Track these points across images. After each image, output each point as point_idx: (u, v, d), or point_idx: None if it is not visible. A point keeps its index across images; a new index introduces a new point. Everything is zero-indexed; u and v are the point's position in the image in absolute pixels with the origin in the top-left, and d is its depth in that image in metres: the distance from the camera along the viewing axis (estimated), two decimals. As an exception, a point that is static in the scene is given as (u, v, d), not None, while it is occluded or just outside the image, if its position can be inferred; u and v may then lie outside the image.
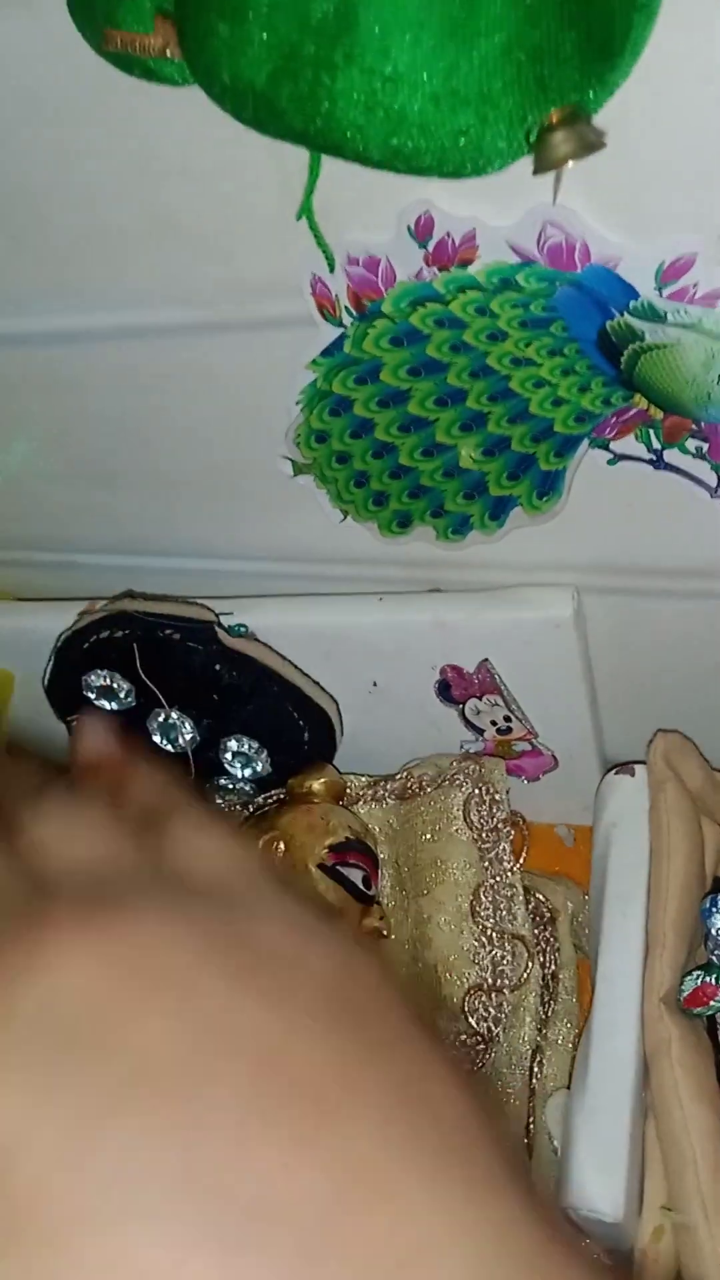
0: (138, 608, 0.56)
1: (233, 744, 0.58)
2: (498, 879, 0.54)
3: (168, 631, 0.56)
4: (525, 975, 0.53)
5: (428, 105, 0.29)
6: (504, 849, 0.55)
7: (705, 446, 0.44)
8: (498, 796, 0.56)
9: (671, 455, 0.45)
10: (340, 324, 0.43)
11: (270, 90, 0.31)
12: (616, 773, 0.56)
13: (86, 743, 0.37)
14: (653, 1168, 0.48)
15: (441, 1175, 0.22)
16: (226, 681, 0.56)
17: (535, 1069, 0.54)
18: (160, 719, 0.58)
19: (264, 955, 0.26)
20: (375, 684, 0.58)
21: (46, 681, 0.59)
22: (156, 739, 0.59)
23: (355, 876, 0.53)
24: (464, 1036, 0.53)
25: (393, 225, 0.39)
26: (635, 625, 0.54)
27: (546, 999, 0.55)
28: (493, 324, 0.42)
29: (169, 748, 0.59)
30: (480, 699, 0.56)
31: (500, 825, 0.55)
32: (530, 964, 0.54)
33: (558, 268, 0.39)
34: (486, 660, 0.54)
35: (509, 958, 0.53)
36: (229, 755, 0.59)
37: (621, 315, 0.39)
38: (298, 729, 0.57)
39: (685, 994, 0.49)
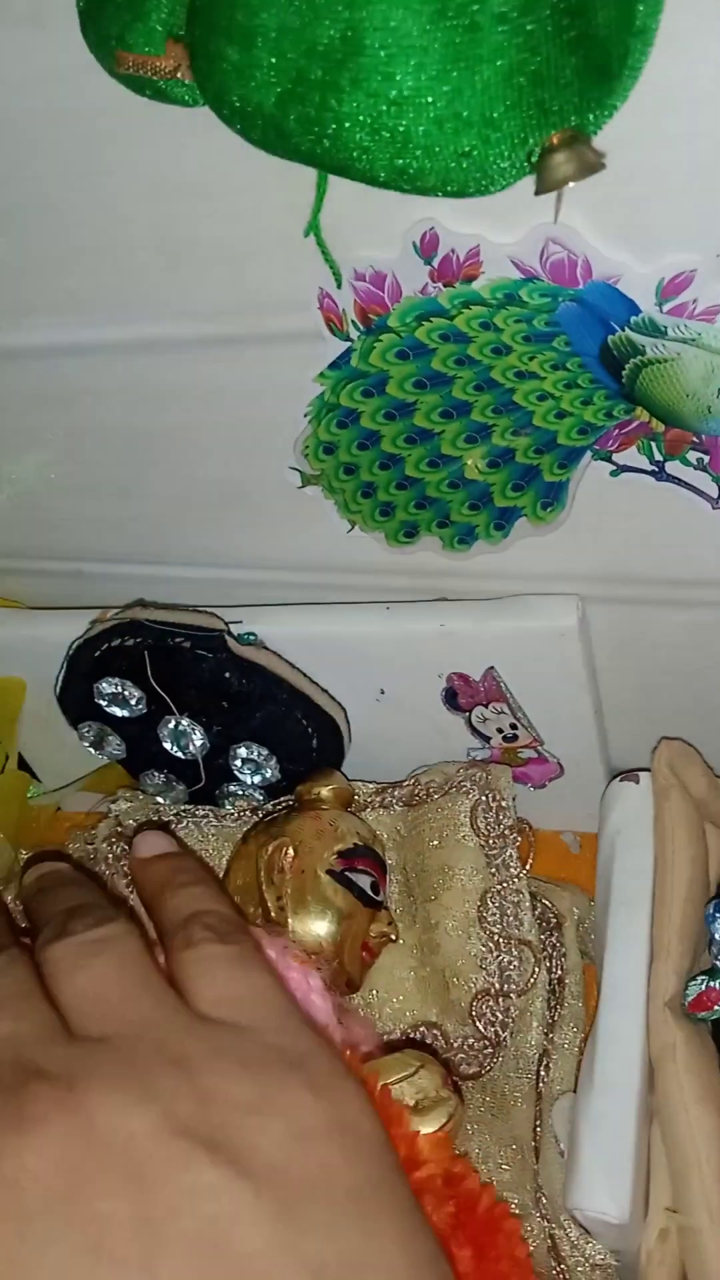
0: (148, 616, 0.57)
1: (242, 751, 0.59)
2: (505, 885, 0.55)
3: (178, 640, 0.56)
4: (532, 980, 0.54)
5: (432, 128, 0.30)
6: (511, 855, 0.55)
7: (706, 459, 0.44)
8: (504, 803, 0.56)
9: (673, 467, 0.45)
10: (347, 338, 0.44)
11: (278, 113, 0.32)
12: (621, 780, 0.57)
13: (143, 849, 0.39)
14: (658, 1171, 0.49)
15: None
16: (236, 689, 0.56)
17: (542, 1073, 0.54)
18: (171, 726, 0.59)
19: (227, 1127, 0.28)
20: (383, 692, 0.58)
21: (58, 689, 0.60)
22: (167, 746, 0.60)
23: (364, 882, 0.53)
24: (471, 1041, 0.54)
25: (398, 242, 0.40)
26: (639, 634, 0.54)
27: (553, 1004, 0.56)
28: (497, 338, 0.42)
29: (179, 754, 0.60)
30: (486, 707, 0.57)
31: (507, 832, 0.55)
32: (537, 969, 0.54)
33: (560, 284, 0.40)
34: (492, 668, 0.55)
35: (516, 963, 0.54)
36: (238, 762, 0.59)
37: (623, 330, 0.40)
38: (306, 736, 0.58)
39: (690, 999, 0.50)
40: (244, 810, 0.60)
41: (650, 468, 0.46)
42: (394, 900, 0.58)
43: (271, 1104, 0.29)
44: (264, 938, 0.47)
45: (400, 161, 0.31)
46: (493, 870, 0.55)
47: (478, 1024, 0.53)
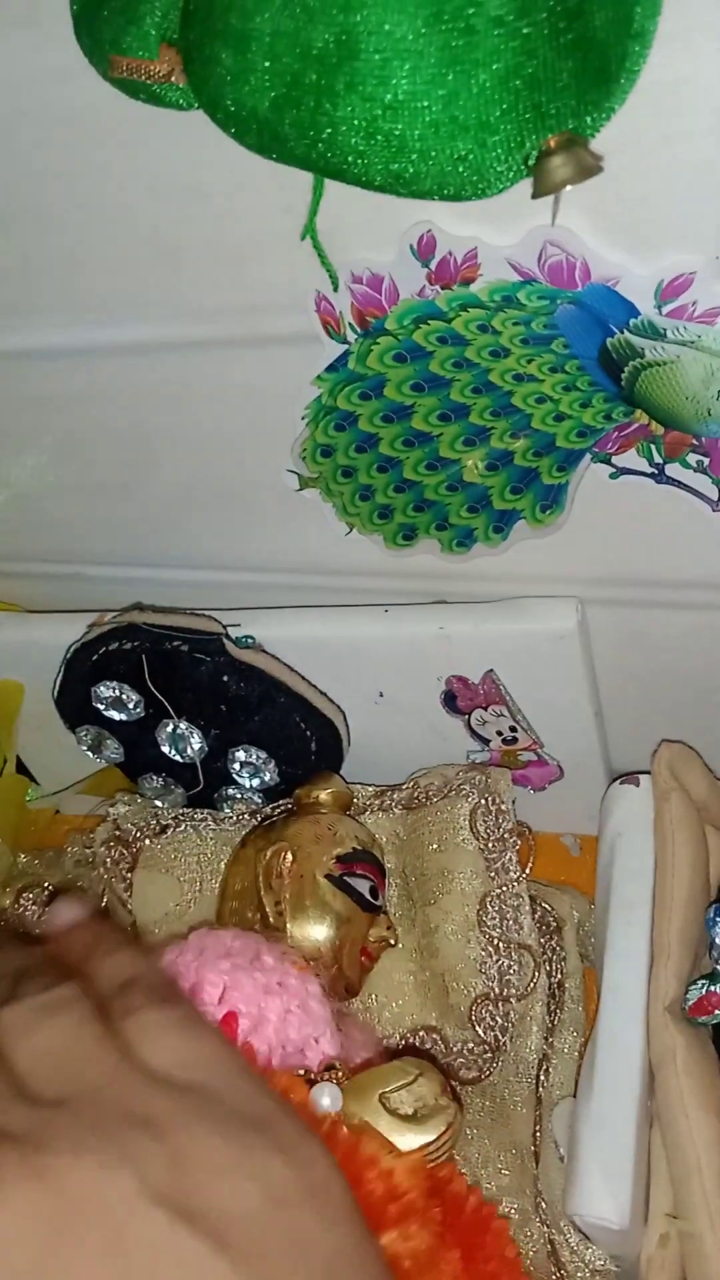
0: (146, 620, 0.57)
1: (241, 754, 0.59)
2: (504, 889, 0.55)
3: (176, 643, 0.56)
4: (532, 984, 0.54)
5: (427, 132, 0.30)
6: (510, 859, 0.55)
7: (706, 461, 0.44)
8: (504, 806, 0.56)
9: (673, 469, 0.45)
10: (345, 341, 0.44)
11: (273, 117, 0.32)
12: (621, 783, 0.57)
13: (59, 919, 0.37)
14: (658, 1175, 0.48)
15: None
16: (234, 692, 0.56)
17: (542, 1077, 0.54)
18: (169, 729, 0.59)
19: (202, 1192, 0.27)
20: (381, 694, 0.58)
21: (56, 693, 0.60)
22: (165, 749, 0.60)
23: (363, 886, 0.53)
24: (471, 1045, 0.53)
25: (395, 245, 0.40)
26: (638, 636, 0.54)
27: (553, 1008, 0.55)
28: (495, 341, 0.42)
29: (178, 758, 0.60)
30: (485, 709, 0.57)
31: (506, 835, 0.55)
32: (537, 973, 0.54)
33: (558, 286, 0.39)
34: (491, 671, 0.55)
35: (516, 967, 0.54)
36: (237, 765, 0.59)
37: (622, 332, 0.40)
38: (305, 739, 0.58)
39: (690, 1003, 0.49)
40: (242, 814, 0.60)
41: (650, 470, 0.45)
42: (393, 904, 0.58)
43: (243, 1167, 0.28)
44: (262, 944, 0.47)
45: (396, 166, 0.31)
46: (492, 874, 0.55)
47: (477, 1028, 0.53)
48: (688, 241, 0.37)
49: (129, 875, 0.59)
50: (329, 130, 0.30)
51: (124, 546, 0.59)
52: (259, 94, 0.31)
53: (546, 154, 0.31)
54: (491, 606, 0.53)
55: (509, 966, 0.53)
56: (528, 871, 0.55)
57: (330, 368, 0.45)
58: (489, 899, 0.54)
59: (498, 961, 0.54)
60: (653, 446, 0.44)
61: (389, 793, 0.59)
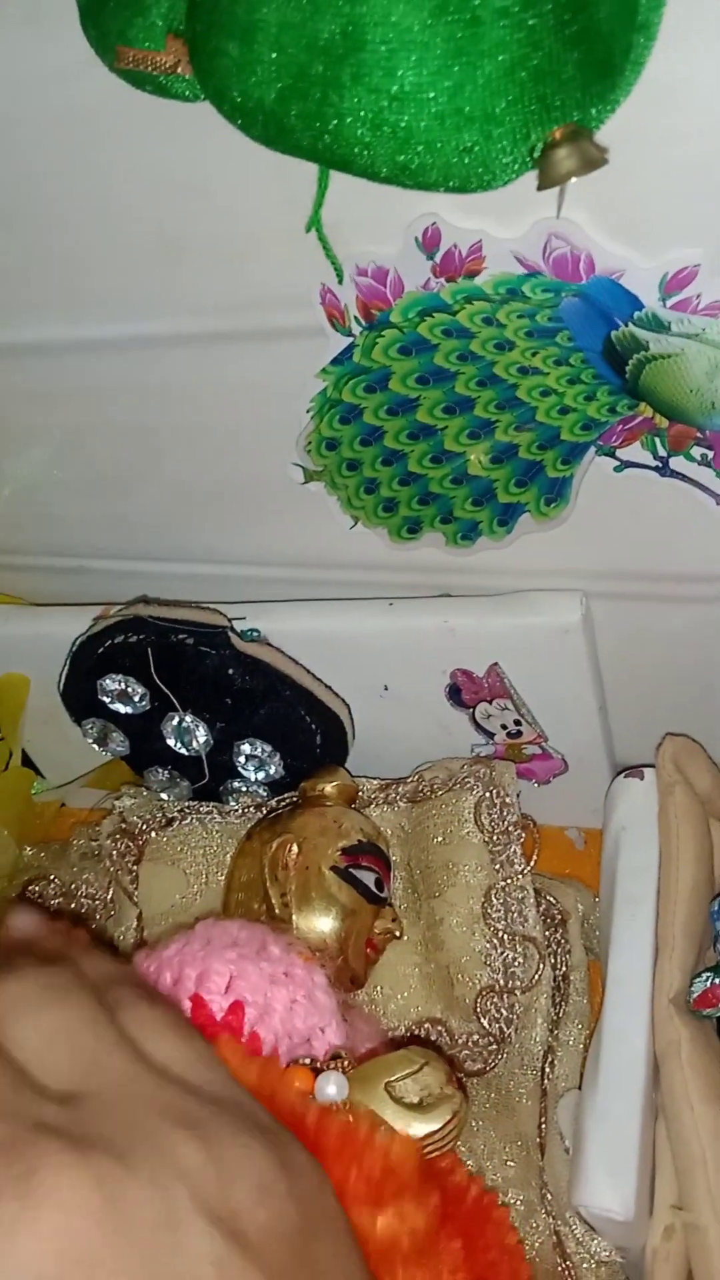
0: (152, 613, 0.57)
1: (246, 747, 0.59)
2: (509, 881, 0.55)
3: (181, 636, 0.56)
4: (537, 977, 0.54)
5: (433, 123, 0.30)
6: (515, 852, 0.55)
7: (710, 454, 0.44)
8: (508, 799, 0.56)
9: (677, 462, 0.45)
10: (350, 333, 0.44)
11: (279, 108, 0.32)
12: (626, 776, 0.57)
13: (19, 928, 0.35)
14: (663, 1168, 0.48)
15: None
16: (240, 685, 0.56)
17: (547, 1069, 0.54)
18: (174, 722, 0.59)
19: (248, 1212, 0.26)
20: (386, 688, 0.58)
21: (61, 686, 0.60)
22: (170, 742, 0.60)
23: (368, 879, 0.53)
24: (476, 1037, 0.54)
25: (400, 237, 0.40)
26: (643, 630, 0.54)
27: (558, 1000, 0.55)
28: (500, 334, 0.42)
29: (183, 751, 0.60)
30: (490, 703, 0.57)
31: (511, 828, 0.55)
32: (541, 966, 0.54)
33: (563, 279, 0.39)
34: (496, 664, 0.55)
35: (520, 960, 0.54)
36: (242, 758, 0.59)
37: (626, 325, 0.40)
38: (310, 732, 0.58)
39: (695, 995, 0.50)
40: (248, 807, 0.60)
41: (654, 463, 0.45)
42: (398, 896, 0.58)
43: (281, 1187, 0.27)
44: (269, 935, 0.47)
45: (402, 157, 0.31)
46: (497, 866, 0.55)
47: (482, 1020, 0.53)
48: (692, 234, 0.37)
49: (135, 868, 0.60)
50: (335, 122, 0.31)
51: (129, 540, 0.59)
52: (265, 85, 0.31)
53: (552, 146, 0.31)
54: (496, 600, 0.53)
55: (514, 959, 0.54)
56: (532, 864, 0.55)
57: (335, 361, 0.45)
58: (494, 891, 0.54)
59: (503, 954, 0.54)
60: (657, 440, 0.44)
61: (394, 786, 0.59)
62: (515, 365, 0.43)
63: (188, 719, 0.59)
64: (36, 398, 0.52)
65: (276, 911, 0.52)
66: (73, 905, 0.61)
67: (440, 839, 0.56)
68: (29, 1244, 0.23)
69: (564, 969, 0.56)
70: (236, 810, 0.60)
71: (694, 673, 0.56)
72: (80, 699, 0.60)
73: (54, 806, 0.70)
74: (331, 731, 0.58)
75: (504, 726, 0.58)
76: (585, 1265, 0.49)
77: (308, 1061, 0.42)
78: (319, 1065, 0.41)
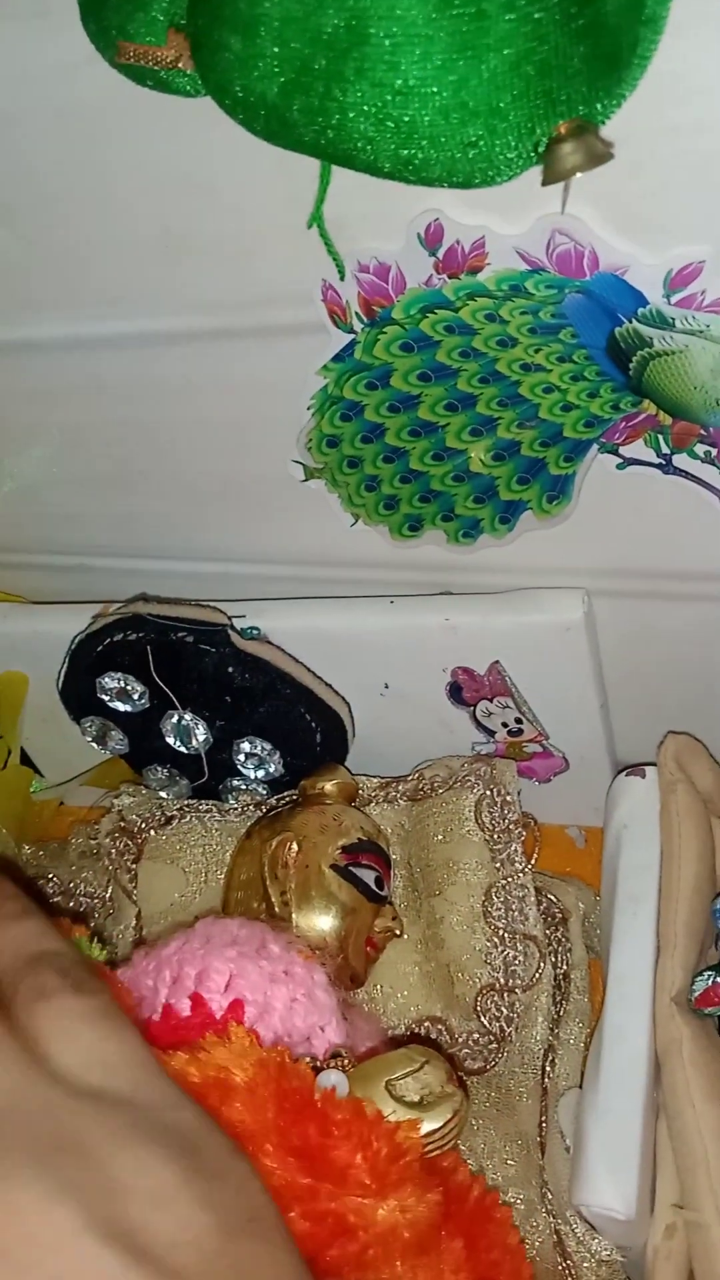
0: (151, 611, 0.57)
1: (245, 745, 0.59)
2: (509, 880, 0.55)
3: (181, 634, 0.56)
4: (537, 975, 0.54)
5: (437, 118, 0.30)
6: (515, 850, 0.55)
7: (714, 451, 0.44)
8: (509, 798, 0.56)
9: (680, 460, 0.45)
10: (351, 330, 0.44)
11: (282, 103, 0.31)
12: (627, 774, 0.56)
13: None
14: (664, 1166, 0.48)
15: None
16: (239, 684, 0.56)
17: (547, 1068, 0.54)
18: (174, 721, 0.59)
19: (149, 1227, 0.25)
20: (387, 686, 0.58)
21: (60, 684, 0.60)
22: (170, 740, 0.60)
23: (368, 877, 0.53)
24: (476, 1036, 0.53)
25: (402, 233, 0.40)
26: (645, 628, 0.54)
27: (558, 999, 0.55)
28: (502, 330, 0.42)
29: (182, 749, 0.60)
30: (491, 701, 0.57)
31: (512, 826, 0.55)
32: (542, 964, 0.54)
33: (566, 275, 0.39)
34: (497, 662, 0.55)
35: (521, 958, 0.54)
36: (242, 756, 0.59)
37: (630, 322, 0.40)
38: (310, 730, 0.57)
39: (696, 994, 0.49)
40: (247, 805, 0.60)
41: (657, 461, 0.45)
42: (398, 895, 0.58)
43: (185, 1194, 0.26)
44: (269, 933, 0.47)
45: (405, 152, 0.31)
46: (497, 865, 0.55)
47: (483, 1019, 0.53)
48: (697, 230, 0.37)
49: (134, 866, 0.59)
50: (338, 116, 0.30)
51: (129, 538, 0.59)
52: (267, 80, 0.31)
53: (557, 141, 0.31)
54: (497, 598, 0.53)
55: (514, 957, 0.53)
56: (533, 863, 0.55)
57: (336, 358, 0.45)
58: (494, 890, 0.54)
59: (503, 952, 0.54)
60: (660, 437, 0.44)
61: (394, 784, 0.59)
62: (518, 362, 0.43)
63: (187, 717, 0.59)
64: (36, 395, 0.52)
65: (276, 910, 0.52)
66: (71, 904, 0.61)
67: (441, 837, 0.56)
68: None
69: (565, 967, 0.56)
70: (236, 808, 0.60)
71: (696, 671, 0.55)
72: (79, 697, 0.60)
73: (53, 805, 0.70)
74: (332, 729, 0.58)
75: (505, 724, 0.58)
76: (586, 1264, 0.49)
77: (308, 1060, 0.42)
78: (319, 1064, 0.41)
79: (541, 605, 0.52)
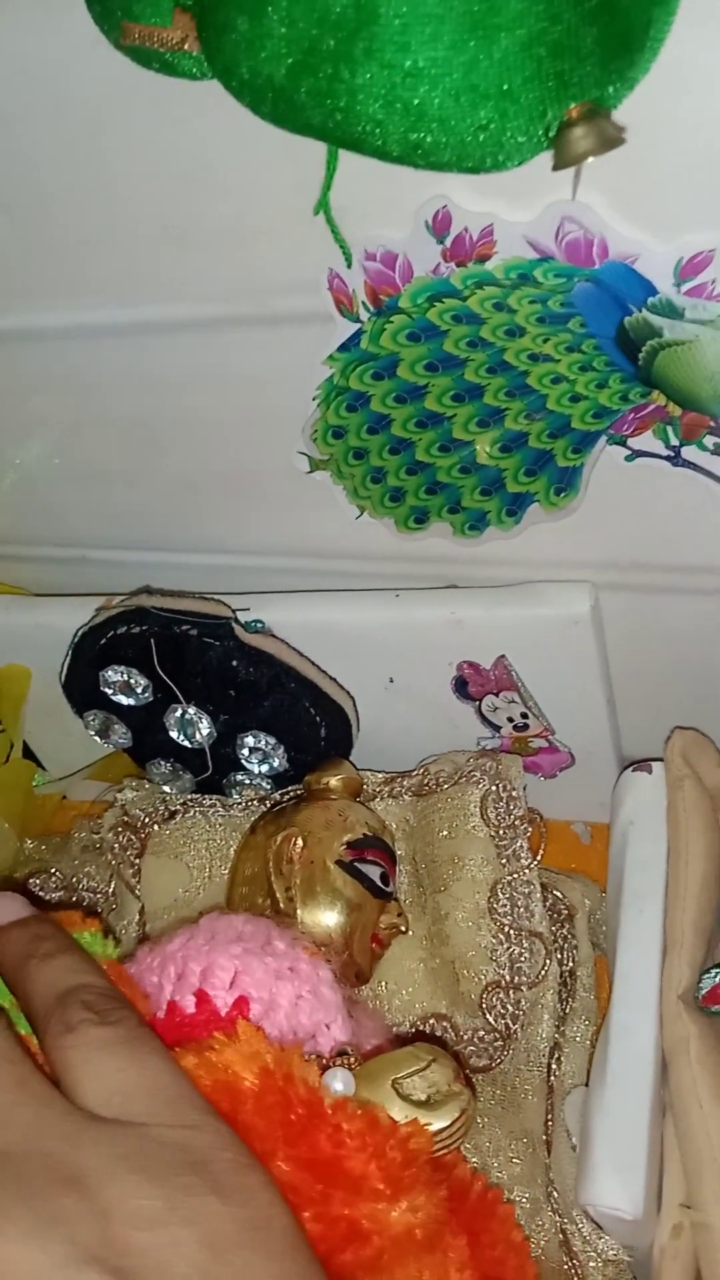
0: (155, 604, 0.56)
1: (250, 740, 0.58)
2: (515, 876, 0.54)
3: (185, 628, 0.56)
4: (543, 972, 0.53)
5: (447, 100, 0.29)
6: (521, 846, 0.55)
7: (724, 442, 0.44)
8: (515, 793, 0.55)
9: (689, 452, 0.44)
10: (357, 319, 0.43)
11: (289, 85, 0.31)
12: (634, 770, 0.56)
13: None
14: (671, 1166, 0.48)
15: None
16: (243, 678, 0.56)
17: (553, 1066, 0.54)
18: (177, 715, 0.58)
19: (136, 1249, 0.26)
20: (392, 680, 0.57)
21: (63, 677, 0.60)
22: (174, 734, 0.59)
23: (373, 873, 0.53)
24: (482, 1033, 0.53)
25: (410, 221, 0.39)
26: (653, 622, 0.53)
27: (564, 996, 0.55)
28: (510, 320, 0.41)
29: (186, 743, 0.59)
30: (497, 696, 0.56)
31: (517, 822, 0.55)
32: (548, 961, 0.53)
33: (575, 263, 0.39)
34: (503, 657, 0.54)
35: (527, 955, 0.53)
36: (246, 751, 0.59)
37: (640, 311, 0.39)
38: (315, 725, 0.57)
39: (704, 992, 0.49)
40: (252, 800, 0.60)
41: (666, 453, 0.45)
42: (403, 891, 0.57)
43: (176, 1213, 0.27)
44: (274, 929, 0.46)
45: (414, 135, 0.30)
46: (503, 861, 0.55)
47: (488, 1016, 0.53)
48: (708, 218, 0.37)
49: (137, 861, 0.59)
50: (346, 98, 0.30)
51: (132, 530, 0.58)
52: (275, 61, 0.30)
53: (568, 125, 0.30)
54: (504, 591, 0.53)
55: (520, 954, 0.53)
56: (538, 859, 0.55)
57: (342, 347, 0.45)
58: (500, 886, 0.54)
59: (509, 949, 0.53)
60: (669, 428, 0.44)
61: (399, 779, 0.59)
62: (526, 352, 0.43)
63: (191, 711, 0.58)
64: (38, 386, 0.52)
65: (281, 906, 0.52)
66: (74, 898, 0.61)
67: (446, 833, 0.56)
68: None
69: (571, 964, 0.56)
70: (240, 803, 0.60)
71: (704, 666, 0.55)
72: (82, 690, 0.59)
73: (55, 799, 0.70)
74: (336, 724, 0.58)
75: (510, 719, 0.58)
76: (592, 1264, 0.49)
77: (313, 1058, 0.41)
78: (325, 1062, 0.40)
79: (548, 599, 0.52)
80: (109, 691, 0.58)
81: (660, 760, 0.55)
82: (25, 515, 0.59)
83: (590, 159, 0.31)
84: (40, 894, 0.60)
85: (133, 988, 0.40)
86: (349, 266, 0.41)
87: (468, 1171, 0.42)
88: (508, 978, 0.53)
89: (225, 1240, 0.27)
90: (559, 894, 0.57)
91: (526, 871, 0.54)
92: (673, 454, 0.45)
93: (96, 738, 0.62)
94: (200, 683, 0.57)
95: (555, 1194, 0.51)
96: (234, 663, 0.55)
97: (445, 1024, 0.54)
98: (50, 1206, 0.26)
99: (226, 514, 0.55)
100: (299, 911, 0.51)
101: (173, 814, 0.60)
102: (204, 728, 0.58)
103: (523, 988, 0.53)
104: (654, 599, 0.53)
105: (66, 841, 0.64)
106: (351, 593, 0.56)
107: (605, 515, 0.48)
